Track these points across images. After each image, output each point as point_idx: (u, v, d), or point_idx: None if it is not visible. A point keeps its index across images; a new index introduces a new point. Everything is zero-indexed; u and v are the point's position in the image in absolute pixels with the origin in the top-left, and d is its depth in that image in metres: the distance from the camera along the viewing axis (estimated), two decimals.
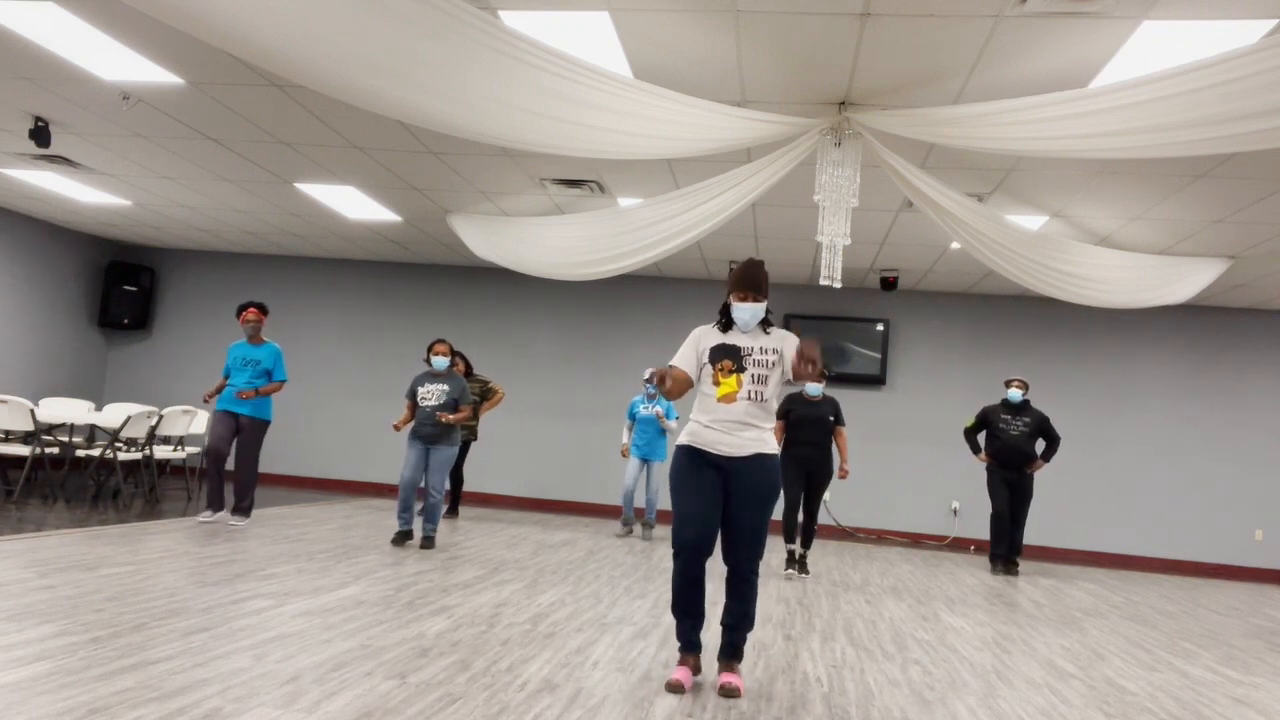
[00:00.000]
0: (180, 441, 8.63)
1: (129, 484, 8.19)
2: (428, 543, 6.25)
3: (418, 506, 6.73)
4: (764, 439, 3.36)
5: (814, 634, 4.42)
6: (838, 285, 5.34)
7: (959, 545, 9.49)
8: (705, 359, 3.42)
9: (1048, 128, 4.33)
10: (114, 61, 5.16)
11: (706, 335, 3.50)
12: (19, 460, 7.43)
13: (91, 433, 9.22)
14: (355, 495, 9.92)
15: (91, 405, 9.10)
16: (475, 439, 8.27)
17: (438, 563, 5.67)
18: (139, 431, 7.49)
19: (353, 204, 8.08)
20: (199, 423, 8.60)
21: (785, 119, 4.89)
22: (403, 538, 6.23)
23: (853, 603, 5.47)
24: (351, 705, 2.73)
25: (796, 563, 6.38)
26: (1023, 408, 7.66)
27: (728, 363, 3.35)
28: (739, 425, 3.32)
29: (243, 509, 6.69)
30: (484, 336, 10.44)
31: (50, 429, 7.81)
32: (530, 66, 3.98)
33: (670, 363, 3.52)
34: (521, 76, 4.02)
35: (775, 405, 3.43)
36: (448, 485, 7.27)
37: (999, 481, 7.63)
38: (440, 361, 6.35)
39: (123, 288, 10.68)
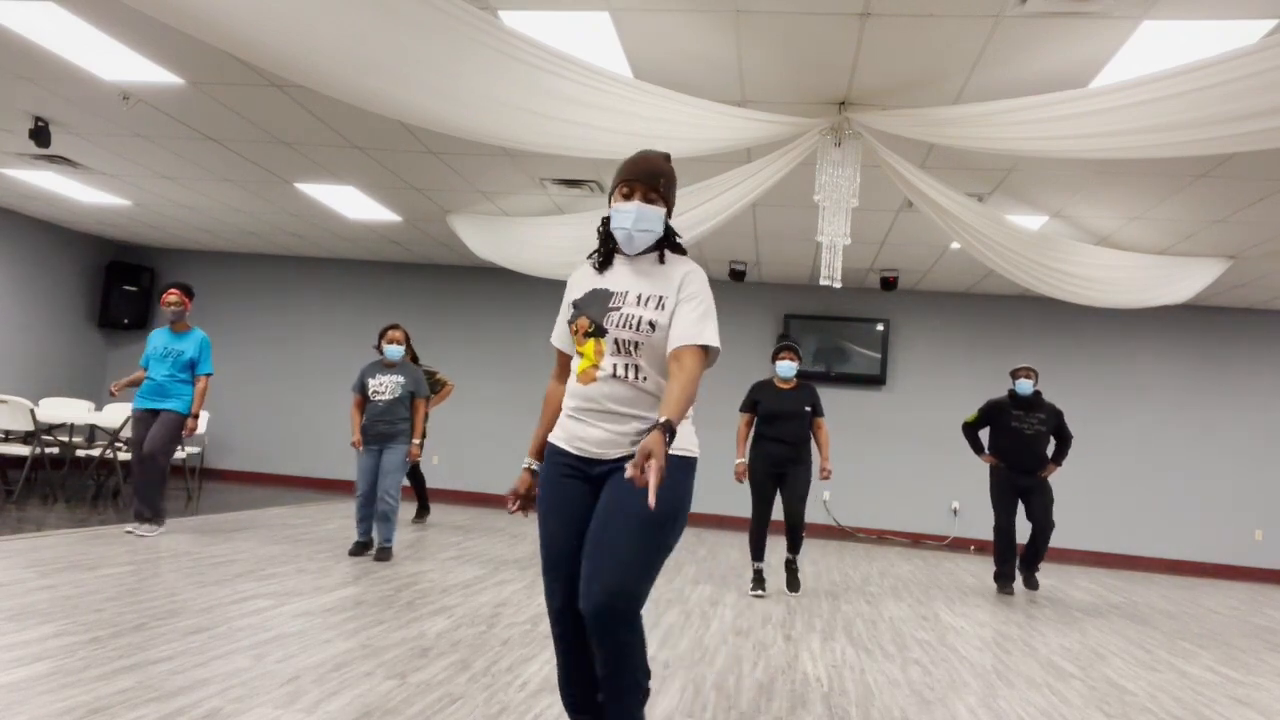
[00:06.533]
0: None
1: (129, 484, 8.18)
2: (384, 554, 5.59)
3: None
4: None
5: (814, 634, 4.42)
6: (838, 285, 5.34)
7: (959, 545, 9.49)
8: (568, 315, 2.27)
9: (1048, 128, 4.33)
10: (114, 61, 5.16)
11: (579, 279, 2.30)
12: (19, 460, 7.43)
13: (91, 433, 9.22)
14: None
15: (91, 405, 9.10)
16: (424, 435, 7.89)
17: (438, 563, 5.67)
18: None
19: (353, 204, 8.08)
20: (199, 423, 8.58)
21: (785, 119, 4.88)
22: (361, 548, 5.69)
23: (853, 603, 5.47)
24: (351, 705, 2.73)
25: (762, 583, 5.45)
26: (1035, 402, 6.53)
27: (583, 320, 2.18)
28: (603, 414, 2.15)
29: (152, 514, 5.82)
30: (483, 336, 10.44)
31: (50, 429, 7.82)
32: (530, 66, 3.98)
33: (551, 339, 2.39)
34: (521, 76, 4.02)
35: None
36: (405, 484, 6.50)
37: (1007, 488, 6.53)
38: (394, 350, 5.79)
39: (123, 288, 10.68)
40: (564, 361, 2.34)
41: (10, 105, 6.12)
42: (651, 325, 2.12)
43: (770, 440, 5.48)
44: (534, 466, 2.32)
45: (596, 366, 2.15)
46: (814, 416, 5.57)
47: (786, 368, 5.53)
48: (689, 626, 4.34)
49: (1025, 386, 6.52)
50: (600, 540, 2.07)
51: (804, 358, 5.73)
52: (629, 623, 2.03)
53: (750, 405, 5.60)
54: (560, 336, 2.32)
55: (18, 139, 6.74)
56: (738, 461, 5.55)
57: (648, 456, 1.86)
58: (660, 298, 2.15)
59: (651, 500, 1.82)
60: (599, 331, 2.15)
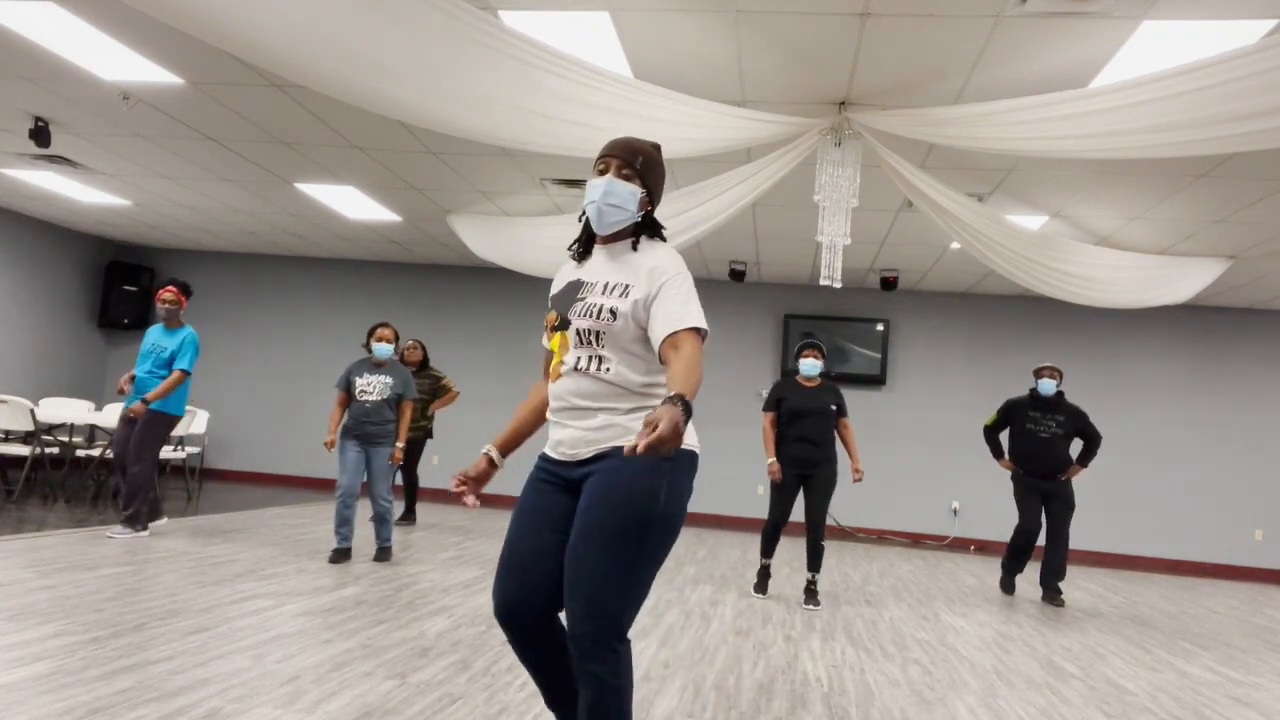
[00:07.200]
0: (180, 442, 8.63)
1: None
2: (384, 554, 5.55)
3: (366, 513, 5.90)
4: (626, 426, 2.00)
5: (814, 634, 4.42)
6: (838, 285, 5.34)
7: (959, 545, 9.49)
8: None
9: (1048, 128, 4.33)
10: (114, 61, 5.16)
11: (561, 272, 2.22)
12: (19, 460, 7.43)
13: (91, 433, 9.22)
14: None
15: (91, 405, 9.10)
16: (431, 436, 7.54)
17: (437, 563, 5.67)
18: None
19: (353, 204, 8.08)
20: (199, 422, 8.60)
21: (785, 119, 4.89)
22: (341, 556, 5.34)
23: (853, 603, 5.47)
24: (351, 705, 2.73)
25: (765, 583, 5.47)
26: (1055, 403, 6.31)
27: (552, 315, 2.12)
28: (571, 411, 2.05)
29: (133, 517, 5.64)
30: (483, 336, 10.44)
31: (50, 429, 7.82)
32: (530, 66, 3.99)
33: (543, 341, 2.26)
34: (521, 76, 4.02)
35: (645, 378, 2.03)
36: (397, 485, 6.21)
37: (1029, 491, 6.25)
38: (384, 349, 5.54)
39: (123, 288, 10.69)
40: (549, 360, 2.23)
41: (10, 105, 6.12)
42: (613, 313, 1.98)
43: (795, 440, 5.31)
44: (493, 454, 2.20)
45: (563, 361, 2.06)
46: (838, 416, 5.42)
47: (810, 366, 5.39)
48: (689, 626, 4.34)
49: (1048, 386, 6.30)
50: (576, 558, 1.90)
51: (828, 356, 5.52)
52: (611, 650, 1.87)
53: (774, 404, 5.45)
54: (547, 334, 2.22)
55: (18, 139, 6.74)
56: (770, 461, 5.34)
57: (654, 425, 1.60)
58: (626, 285, 2.01)
59: (641, 445, 1.57)
60: (564, 324, 2.06)
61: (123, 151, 7.04)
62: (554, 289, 2.18)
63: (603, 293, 2.02)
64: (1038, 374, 6.38)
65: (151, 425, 5.65)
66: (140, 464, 5.62)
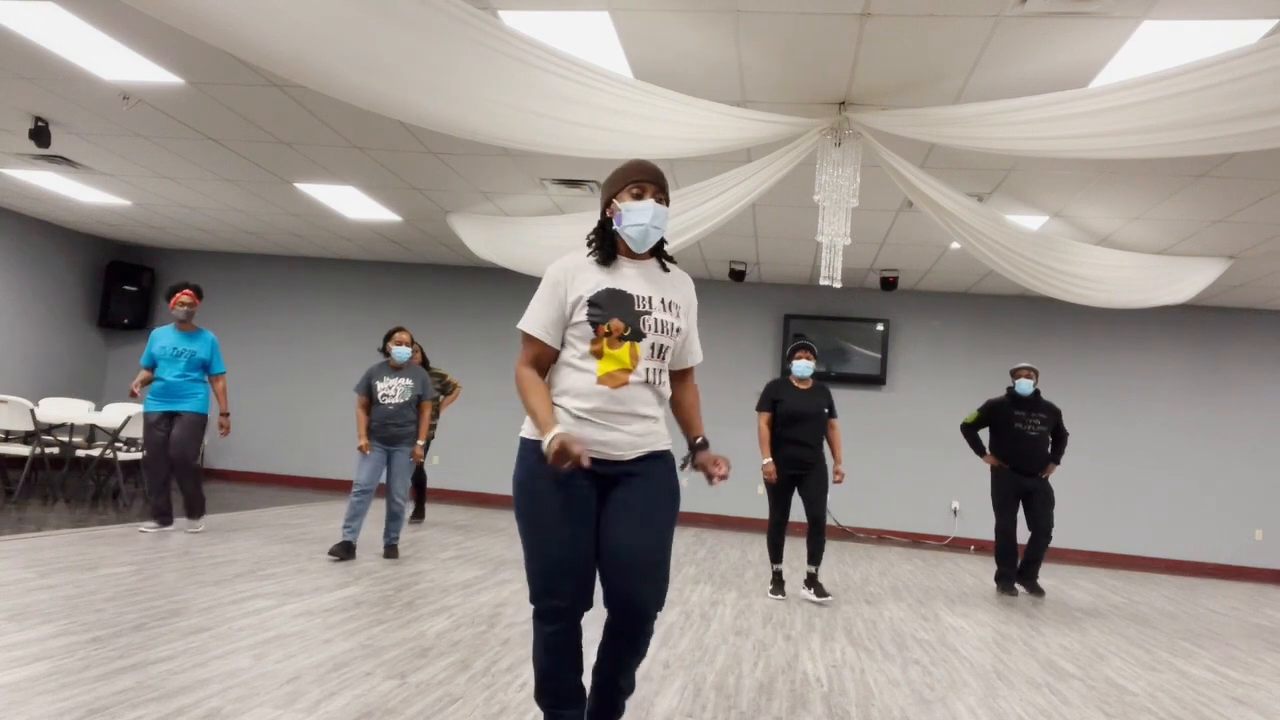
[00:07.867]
0: None
1: (129, 484, 8.18)
2: (391, 551, 5.73)
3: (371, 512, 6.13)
4: (660, 432, 2.26)
5: (814, 634, 4.43)
6: (838, 285, 5.34)
7: (959, 545, 9.49)
8: (582, 313, 2.16)
9: (1048, 128, 4.33)
10: (114, 61, 5.16)
11: (579, 273, 2.22)
12: (19, 460, 7.43)
13: (91, 433, 9.22)
14: None
15: (91, 405, 9.09)
16: (433, 436, 7.60)
17: (438, 563, 5.68)
18: (139, 431, 7.49)
19: (353, 204, 8.09)
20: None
21: (785, 119, 4.89)
22: (345, 549, 5.45)
23: (853, 602, 5.47)
24: (351, 705, 2.73)
25: (781, 586, 5.45)
26: (1036, 401, 6.49)
27: (618, 323, 2.13)
28: (628, 417, 2.16)
29: (197, 512, 6.11)
30: (483, 336, 10.44)
31: (50, 429, 7.82)
32: (530, 66, 3.98)
33: (521, 326, 2.24)
34: (521, 76, 4.02)
35: (668, 390, 2.31)
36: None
37: (1010, 490, 6.44)
38: (402, 352, 5.69)
39: (123, 288, 10.69)
40: (542, 352, 2.21)
41: (10, 105, 6.12)
42: (678, 332, 2.26)
43: (789, 442, 5.34)
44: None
45: (629, 370, 2.16)
46: (829, 417, 5.46)
47: (804, 367, 5.40)
48: (689, 626, 4.34)
49: (1026, 386, 6.46)
50: (636, 542, 2.16)
51: (819, 356, 5.61)
52: (655, 615, 2.21)
53: (769, 404, 5.45)
54: (547, 326, 2.19)
55: (18, 139, 6.74)
56: (766, 462, 5.34)
57: (719, 463, 2.27)
58: (677, 306, 2.27)
59: (725, 473, 2.26)
60: (636, 334, 2.16)
61: (123, 151, 7.04)
62: (582, 289, 2.18)
63: (665, 310, 2.23)
64: (1015, 374, 6.53)
65: (197, 427, 5.99)
66: (191, 464, 5.97)
